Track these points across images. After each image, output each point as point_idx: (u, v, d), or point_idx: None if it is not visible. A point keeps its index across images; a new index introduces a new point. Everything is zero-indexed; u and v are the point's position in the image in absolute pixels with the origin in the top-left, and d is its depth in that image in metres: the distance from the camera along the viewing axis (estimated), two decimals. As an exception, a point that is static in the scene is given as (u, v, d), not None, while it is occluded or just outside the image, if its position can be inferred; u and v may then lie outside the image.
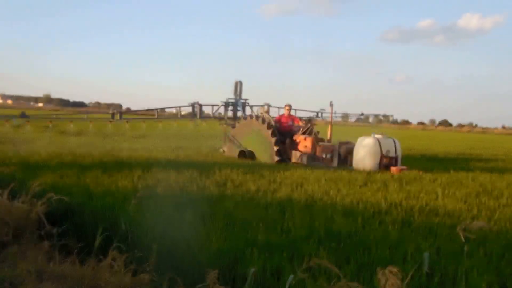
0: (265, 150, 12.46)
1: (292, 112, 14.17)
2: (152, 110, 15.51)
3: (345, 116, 18.69)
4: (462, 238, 2.57)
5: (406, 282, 3.00)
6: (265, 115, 13.34)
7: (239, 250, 4.20)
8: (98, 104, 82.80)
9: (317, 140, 12.26)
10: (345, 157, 11.50)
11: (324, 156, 11.74)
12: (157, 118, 14.72)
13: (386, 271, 1.90)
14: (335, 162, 11.44)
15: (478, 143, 31.62)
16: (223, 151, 14.07)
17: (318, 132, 13.02)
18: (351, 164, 11.24)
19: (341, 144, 11.65)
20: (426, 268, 2.74)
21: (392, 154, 10.84)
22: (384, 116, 18.84)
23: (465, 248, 4.15)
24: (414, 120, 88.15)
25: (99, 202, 5.92)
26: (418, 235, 4.93)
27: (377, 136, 11.01)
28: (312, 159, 11.86)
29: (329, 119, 13.45)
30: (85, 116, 15.13)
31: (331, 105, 12.94)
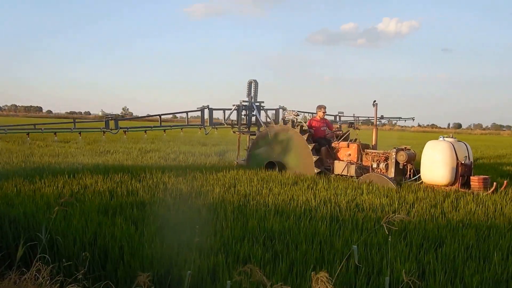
0: (300, 160, 10.43)
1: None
2: (152, 116, 12.82)
3: (367, 120, 16.07)
4: (386, 231, 2.74)
5: (336, 275, 3.17)
6: (296, 119, 11.18)
7: (173, 253, 4.17)
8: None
9: (362, 147, 10.27)
10: (404, 166, 9.47)
11: (375, 165, 9.75)
12: (161, 127, 11.50)
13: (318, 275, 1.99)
14: (391, 172, 9.36)
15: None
16: (237, 163, 12.05)
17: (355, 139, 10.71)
18: (412, 174, 9.37)
19: (398, 150, 9.51)
20: (356, 260, 2.90)
21: (467, 161, 8.90)
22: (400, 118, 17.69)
23: (389, 239, 4.46)
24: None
25: (21, 209, 5.58)
26: (346, 230, 5.18)
27: (448, 139, 9.02)
28: (361, 169, 9.97)
29: (355, 123, 11.04)
30: (72, 126, 10.02)
31: (374, 105, 10.50)
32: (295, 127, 10.63)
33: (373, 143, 10.47)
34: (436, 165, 8.72)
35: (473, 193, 7.91)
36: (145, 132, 11.62)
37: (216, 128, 11.84)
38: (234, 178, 8.95)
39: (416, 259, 4.29)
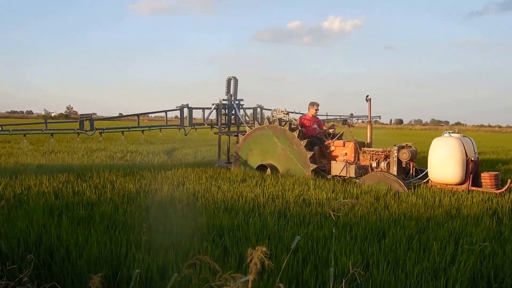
0: (292, 161, 9.63)
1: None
2: (129, 116, 11.37)
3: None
4: (333, 217, 2.84)
5: (283, 266, 3.25)
6: (286, 117, 10.50)
7: (122, 253, 4.10)
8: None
9: (358, 145, 9.68)
10: (406, 164, 8.98)
11: (375, 164, 9.20)
12: (139, 127, 10.38)
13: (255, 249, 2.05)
14: (393, 172, 8.80)
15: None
16: (218, 166, 11.18)
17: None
18: (414, 173, 8.96)
19: (400, 147, 9.00)
20: (293, 246, 2.97)
21: (475, 157, 8.41)
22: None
23: (333, 230, 4.61)
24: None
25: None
26: (293, 224, 5.31)
27: (455, 135, 8.45)
28: (360, 169, 9.40)
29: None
30: (44, 127, 8.95)
31: (367, 100, 9.90)
32: (283, 125, 9.87)
33: (368, 140, 9.93)
34: (446, 163, 8.13)
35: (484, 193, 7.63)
36: (122, 133, 10.66)
37: (196, 128, 11.10)
38: (183, 176, 8.90)
39: (361, 251, 4.45)
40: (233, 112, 11.82)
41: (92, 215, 5.49)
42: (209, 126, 11.50)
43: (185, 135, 11.02)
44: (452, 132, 8.54)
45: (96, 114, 10.31)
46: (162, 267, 3.89)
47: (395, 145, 9.10)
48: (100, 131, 9.41)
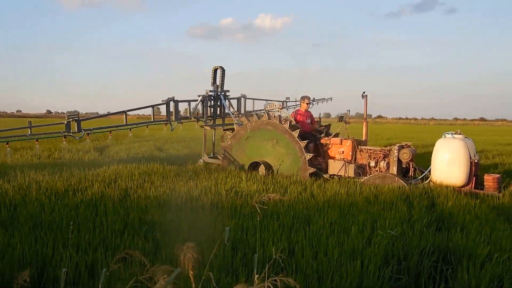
0: (289, 160, 9.11)
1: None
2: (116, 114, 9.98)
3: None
4: (258, 209, 3.01)
5: (211, 256, 3.39)
6: (282, 112, 9.89)
7: (48, 252, 4.04)
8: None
9: (356, 143, 9.34)
10: (407, 164, 8.82)
11: (374, 164, 8.95)
12: (126, 125, 9.41)
13: (184, 246, 2.17)
14: (393, 171, 8.64)
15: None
16: (203, 161, 10.60)
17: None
18: (414, 173, 8.81)
19: (400, 147, 8.84)
20: (226, 240, 3.13)
21: (477, 159, 8.29)
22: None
23: (258, 219, 4.81)
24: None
25: None
26: (225, 216, 5.47)
27: (457, 136, 8.37)
28: (359, 169, 9.07)
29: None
30: (28, 132, 8.03)
31: (363, 97, 9.64)
32: (283, 122, 9.27)
33: (364, 138, 9.64)
34: (452, 166, 8.05)
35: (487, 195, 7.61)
36: (110, 133, 9.88)
37: (182, 122, 10.26)
38: (115, 173, 8.75)
39: (288, 238, 4.70)
40: (219, 103, 11.16)
41: (15, 216, 5.31)
42: (196, 120, 10.70)
43: (171, 130, 10.11)
44: (454, 133, 8.46)
45: (79, 112, 9.17)
46: (91, 265, 3.89)
47: (395, 145, 9.03)
48: (88, 132, 8.46)
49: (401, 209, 5.91)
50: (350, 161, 9.12)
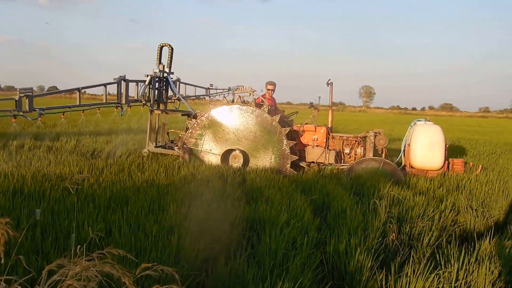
0: (267, 150, 8.38)
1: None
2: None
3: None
4: (71, 190, 2.92)
5: (19, 240, 3.15)
6: (252, 96, 9.05)
7: None
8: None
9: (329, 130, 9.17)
10: (380, 150, 8.90)
11: (348, 151, 8.89)
12: (79, 106, 7.62)
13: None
14: (369, 157, 8.65)
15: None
16: (148, 151, 9.10)
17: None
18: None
19: (376, 133, 8.84)
20: (37, 216, 2.95)
21: (448, 143, 8.80)
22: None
23: (76, 204, 4.63)
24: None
25: None
26: (31, 200, 5.04)
27: (429, 123, 8.87)
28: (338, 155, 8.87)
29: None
30: None
31: (328, 84, 9.44)
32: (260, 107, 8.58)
33: (329, 125, 9.56)
34: (433, 150, 8.50)
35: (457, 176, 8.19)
36: (63, 114, 7.52)
37: (130, 106, 8.73)
38: None
39: (104, 219, 4.61)
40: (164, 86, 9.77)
41: None
42: (145, 103, 9.15)
43: (121, 115, 8.42)
44: (426, 120, 9.02)
45: (32, 88, 6.53)
46: None
47: (369, 131, 9.05)
48: (41, 112, 6.62)
49: (216, 185, 6.33)
50: (325, 148, 9.09)
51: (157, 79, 9.45)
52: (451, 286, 3.72)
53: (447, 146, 8.75)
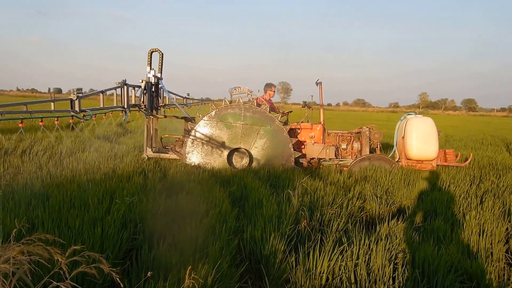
0: (272, 149, 8.57)
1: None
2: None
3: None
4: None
5: None
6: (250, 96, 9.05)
7: None
8: None
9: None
10: (375, 146, 9.27)
11: (344, 146, 9.15)
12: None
13: None
14: (365, 152, 8.97)
15: None
16: (146, 156, 9.03)
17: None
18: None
19: (370, 129, 9.15)
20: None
21: (439, 135, 9.00)
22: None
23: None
24: None
25: None
26: None
27: (419, 116, 9.08)
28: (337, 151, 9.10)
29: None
30: None
31: (318, 84, 9.48)
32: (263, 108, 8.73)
33: (322, 123, 9.66)
34: (429, 141, 8.72)
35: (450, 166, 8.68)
36: (104, 115, 6.87)
37: (130, 111, 8.94)
38: None
39: (26, 214, 4.64)
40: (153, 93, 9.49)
41: None
42: (144, 108, 9.14)
43: (124, 119, 8.61)
44: (418, 114, 9.25)
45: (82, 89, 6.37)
46: None
47: (363, 127, 9.33)
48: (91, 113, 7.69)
49: (137, 180, 6.50)
50: (324, 145, 9.34)
51: (151, 84, 9.56)
52: (353, 263, 4.24)
53: (439, 136, 9.15)
